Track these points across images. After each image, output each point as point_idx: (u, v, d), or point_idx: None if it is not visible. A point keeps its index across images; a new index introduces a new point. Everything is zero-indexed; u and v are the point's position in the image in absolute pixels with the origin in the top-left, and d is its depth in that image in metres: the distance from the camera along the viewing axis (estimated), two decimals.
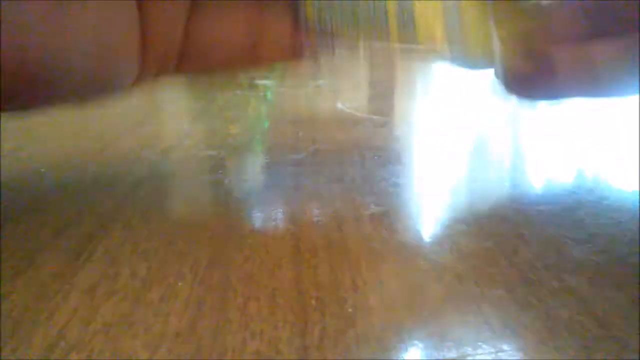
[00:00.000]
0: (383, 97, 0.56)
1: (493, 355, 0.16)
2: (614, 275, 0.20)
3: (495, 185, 0.31)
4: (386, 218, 0.25)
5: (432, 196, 0.29)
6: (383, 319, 0.17)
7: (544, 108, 0.49)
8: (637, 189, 0.29)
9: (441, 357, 0.16)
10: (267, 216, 0.26)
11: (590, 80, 0.24)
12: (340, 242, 0.23)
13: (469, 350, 0.16)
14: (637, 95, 0.26)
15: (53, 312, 0.18)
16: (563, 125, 0.44)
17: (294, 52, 0.28)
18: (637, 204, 0.27)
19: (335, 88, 0.58)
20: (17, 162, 0.33)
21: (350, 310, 0.18)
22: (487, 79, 0.29)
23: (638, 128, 0.40)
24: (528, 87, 0.26)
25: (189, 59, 0.26)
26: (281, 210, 0.27)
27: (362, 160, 0.33)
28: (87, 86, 0.22)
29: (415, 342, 0.16)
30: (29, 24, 0.18)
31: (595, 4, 0.25)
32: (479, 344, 0.16)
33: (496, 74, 0.27)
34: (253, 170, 0.32)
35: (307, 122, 0.43)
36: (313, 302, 0.18)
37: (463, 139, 0.40)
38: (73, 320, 0.17)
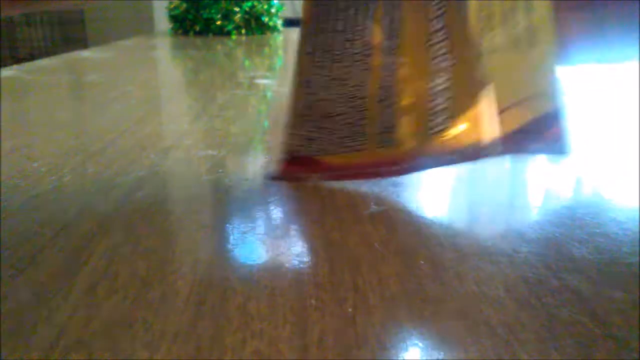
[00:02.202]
0: None
1: (493, 355, 0.16)
2: (614, 274, 0.20)
3: (495, 184, 0.31)
4: (386, 218, 0.25)
5: (431, 196, 0.29)
6: (383, 319, 0.17)
7: None
8: (637, 189, 0.29)
9: (441, 357, 0.16)
10: (267, 215, 0.26)
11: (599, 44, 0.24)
12: (341, 242, 0.23)
13: (469, 350, 0.16)
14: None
15: (53, 311, 0.18)
16: None
17: None
18: (638, 204, 0.27)
19: None
20: (17, 162, 0.33)
21: (350, 309, 0.18)
22: None
23: (638, 127, 0.40)
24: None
25: None
26: (280, 209, 0.27)
27: None
28: None
29: (415, 341, 0.16)
30: None
31: None
32: (479, 343, 0.16)
33: None
34: (253, 169, 0.32)
35: None
36: (313, 301, 0.18)
37: None
38: (73, 319, 0.17)
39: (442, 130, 0.27)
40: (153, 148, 0.36)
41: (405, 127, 0.28)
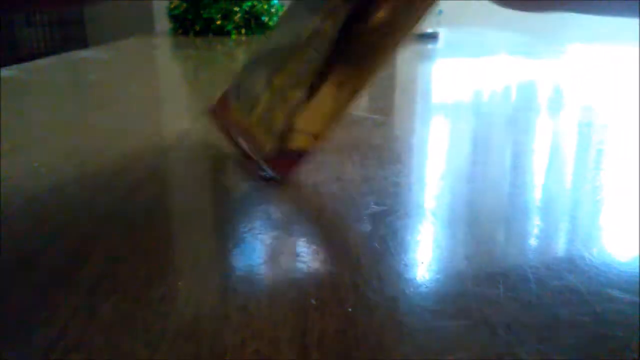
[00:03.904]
0: (383, 96, 0.56)
1: (494, 355, 0.16)
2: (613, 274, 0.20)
3: (494, 184, 0.30)
4: (386, 217, 0.25)
5: (431, 195, 0.29)
6: (383, 319, 0.17)
7: (542, 116, 0.49)
8: (637, 190, 0.29)
9: (441, 358, 0.16)
10: (266, 215, 0.26)
11: None
12: (341, 242, 0.23)
13: (470, 350, 0.16)
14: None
15: (53, 311, 0.18)
16: (562, 129, 0.44)
17: None
18: (637, 205, 0.27)
19: None
20: (17, 162, 0.33)
21: (350, 310, 0.18)
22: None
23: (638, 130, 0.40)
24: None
25: None
26: (280, 209, 0.27)
27: (362, 159, 0.33)
28: None
29: (416, 342, 0.16)
30: None
31: None
32: (480, 344, 0.16)
33: None
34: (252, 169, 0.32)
35: None
36: (313, 301, 0.18)
37: (461, 138, 0.40)
38: (73, 319, 0.17)
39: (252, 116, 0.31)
40: (153, 148, 0.36)
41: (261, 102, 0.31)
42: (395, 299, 0.18)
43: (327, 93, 0.29)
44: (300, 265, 0.21)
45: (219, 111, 0.34)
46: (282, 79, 0.30)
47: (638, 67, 0.75)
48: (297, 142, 0.30)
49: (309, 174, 0.31)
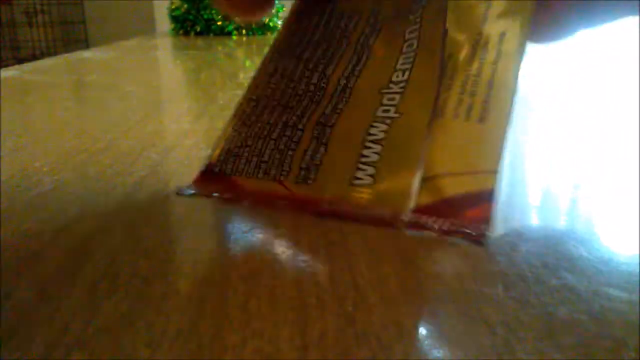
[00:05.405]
0: None
1: (493, 355, 0.16)
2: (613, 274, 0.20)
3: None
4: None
5: None
6: (383, 318, 0.17)
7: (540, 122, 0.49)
8: (637, 185, 0.29)
9: (440, 357, 0.16)
10: (267, 215, 0.26)
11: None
12: (341, 242, 0.23)
13: (469, 350, 0.16)
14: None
15: (54, 311, 0.18)
16: (560, 126, 0.44)
17: None
18: (637, 201, 0.27)
19: None
20: (18, 162, 0.33)
21: (350, 308, 0.18)
22: None
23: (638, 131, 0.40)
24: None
25: None
26: (281, 209, 0.27)
27: None
28: None
29: (415, 341, 0.16)
30: None
31: None
32: (479, 343, 0.16)
33: None
34: None
35: None
36: (313, 300, 0.18)
37: None
38: (74, 319, 0.17)
39: (363, 186, 0.25)
40: (154, 148, 0.36)
41: (327, 170, 0.26)
42: (395, 298, 0.19)
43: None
44: (300, 263, 0.21)
45: (222, 190, 0.28)
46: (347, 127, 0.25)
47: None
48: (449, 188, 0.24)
49: None
